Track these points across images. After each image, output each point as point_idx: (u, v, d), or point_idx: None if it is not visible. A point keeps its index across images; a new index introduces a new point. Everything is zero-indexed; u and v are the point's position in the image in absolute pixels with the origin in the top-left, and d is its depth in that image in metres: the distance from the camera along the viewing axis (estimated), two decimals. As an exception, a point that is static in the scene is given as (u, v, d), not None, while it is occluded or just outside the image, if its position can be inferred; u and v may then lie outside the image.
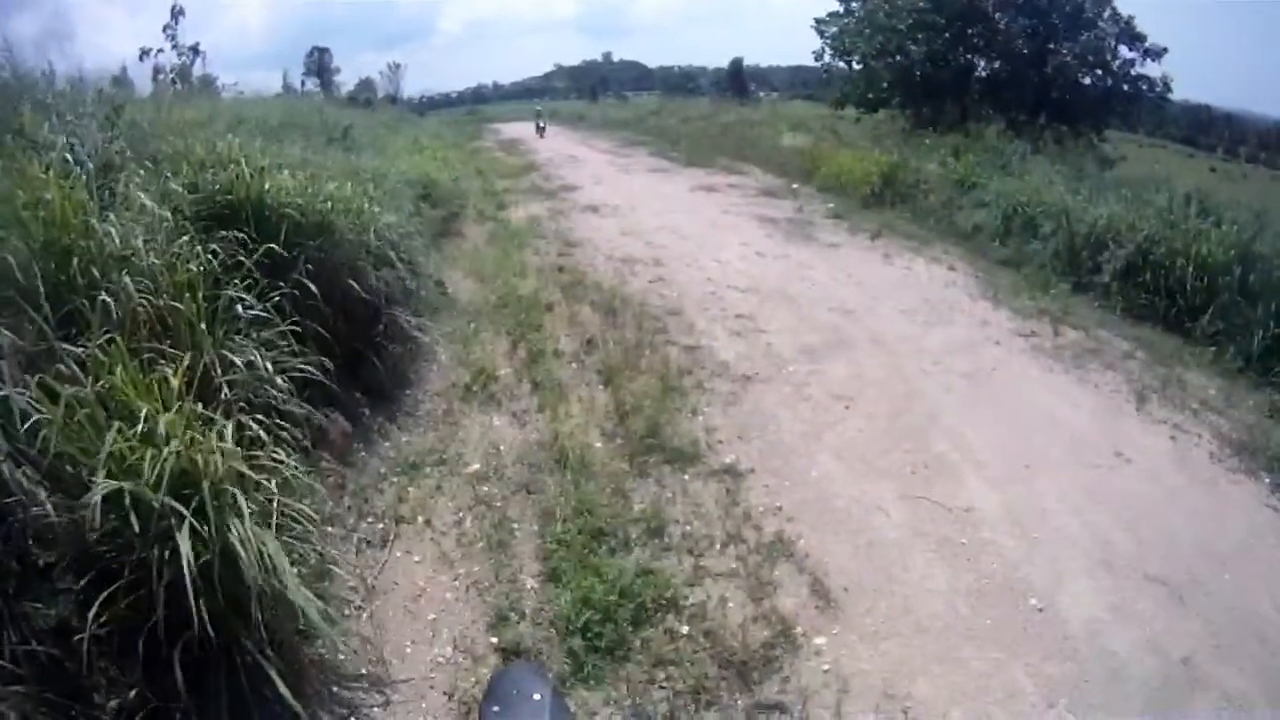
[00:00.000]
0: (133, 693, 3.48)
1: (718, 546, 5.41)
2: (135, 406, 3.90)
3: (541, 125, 38.75)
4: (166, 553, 3.50)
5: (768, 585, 5.02)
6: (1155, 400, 7.59)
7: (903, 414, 7.26)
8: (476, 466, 6.32)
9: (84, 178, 5.55)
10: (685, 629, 4.64)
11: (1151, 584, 5.13)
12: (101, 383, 3.95)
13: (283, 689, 3.58)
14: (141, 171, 6.40)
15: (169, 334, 4.94)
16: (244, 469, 4.04)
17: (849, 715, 4.14)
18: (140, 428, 3.79)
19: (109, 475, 3.56)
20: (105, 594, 3.46)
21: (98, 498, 3.45)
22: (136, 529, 3.52)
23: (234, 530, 3.68)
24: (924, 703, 4.23)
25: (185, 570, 3.41)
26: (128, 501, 3.55)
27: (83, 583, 3.57)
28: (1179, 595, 5.04)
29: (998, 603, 4.94)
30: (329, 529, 4.69)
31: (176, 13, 10.49)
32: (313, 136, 12.20)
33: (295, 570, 3.95)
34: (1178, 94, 21.61)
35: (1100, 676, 4.41)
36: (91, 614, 3.39)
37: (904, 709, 4.19)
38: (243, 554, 3.64)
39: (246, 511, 3.80)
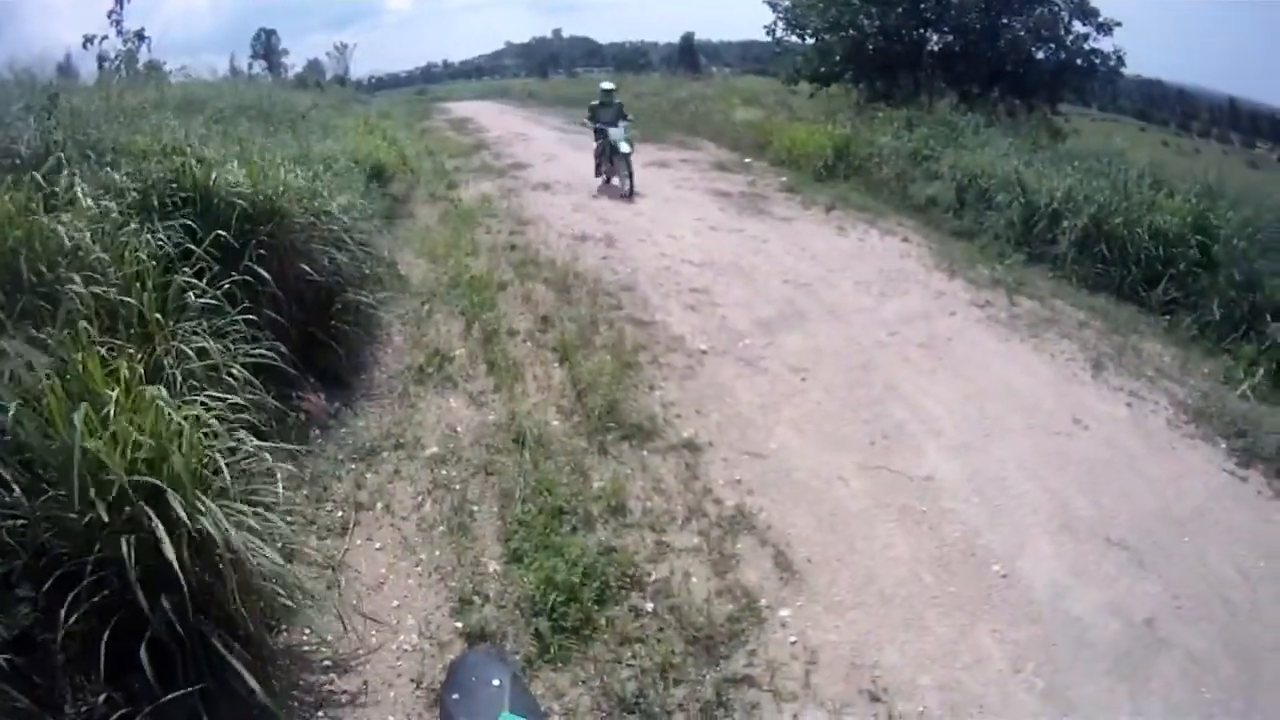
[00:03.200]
0: (100, 698, 3.44)
1: (679, 522, 5.40)
2: (101, 395, 3.86)
3: (626, 144, 15.42)
4: (132, 546, 3.47)
5: (730, 559, 5.02)
6: (1111, 368, 7.63)
7: (860, 385, 7.27)
8: (434, 449, 6.25)
9: (26, 175, 5.51)
10: (650, 606, 4.64)
11: (1113, 548, 5.19)
12: (49, 378, 3.88)
13: (252, 682, 3.54)
14: (83, 164, 6.32)
15: (119, 326, 4.89)
16: (202, 457, 4.00)
17: (817, 686, 4.15)
18: (107, 411, 3.77)
19: (78, 471, 3.49)
20: (68, 599, 3.42)
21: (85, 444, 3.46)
22: (104, 517, 3.46)
23: (207, 515, 3.63)
24: (892, 671, 4.25)
25: (165, 548, 3.40)
26: (93, 494, 3.50)
27: (44, 589, 3.52)
28: (1140, 559, 5.10)
29: (961, 570, 4.97)
30: (288, 518, 4.60)
31: (121, -3, 10.29)
32: (260, 121, 12.09)
33: (266, 557, 3.92)
34: (1130, 69, 21.70)
35: (1065, 639, 4.46)
36: (62, 617, 3.37)
37: (872, 678, 4.20)
38: (215, 532, 3.60)
39: (211, 498, 3.77)
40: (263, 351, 5.52)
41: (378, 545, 5.24)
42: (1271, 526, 5.52)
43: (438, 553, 5.14)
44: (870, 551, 5.13)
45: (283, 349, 5.84)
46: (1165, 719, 4.04)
